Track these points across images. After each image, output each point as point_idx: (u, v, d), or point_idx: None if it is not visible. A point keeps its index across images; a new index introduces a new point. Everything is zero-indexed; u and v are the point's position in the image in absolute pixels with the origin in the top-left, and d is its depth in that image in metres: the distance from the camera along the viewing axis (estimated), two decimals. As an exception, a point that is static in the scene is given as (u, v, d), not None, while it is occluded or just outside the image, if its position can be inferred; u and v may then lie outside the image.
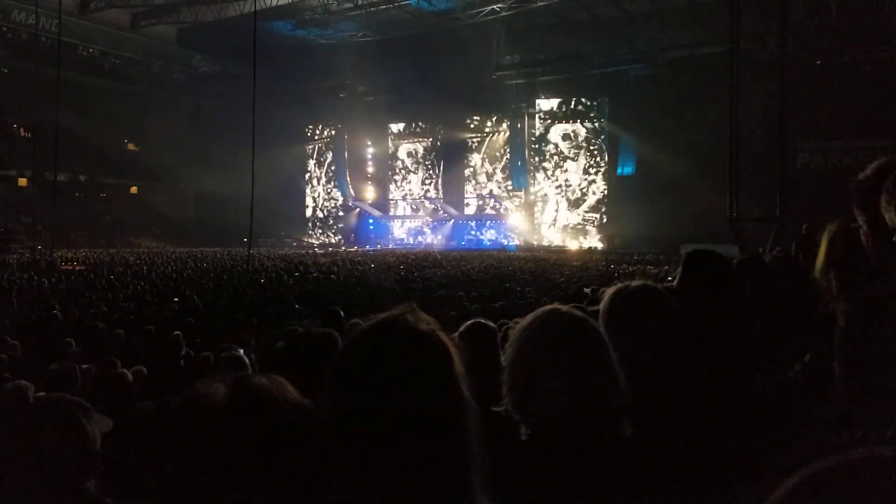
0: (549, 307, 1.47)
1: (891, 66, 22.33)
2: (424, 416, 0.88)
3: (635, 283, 2.01)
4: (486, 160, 42.44)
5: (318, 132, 47.61)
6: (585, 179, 37.59)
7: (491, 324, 2.90)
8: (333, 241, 45.91)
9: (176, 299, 11.20)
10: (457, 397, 0.92)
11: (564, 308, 1.47)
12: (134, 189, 47.83)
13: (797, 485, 0.46)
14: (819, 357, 2.48)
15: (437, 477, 0.89)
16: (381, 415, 0.87)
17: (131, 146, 48.19)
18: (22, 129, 40.97)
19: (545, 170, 38.64)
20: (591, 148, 37.47)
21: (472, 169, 42.96)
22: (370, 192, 46.80)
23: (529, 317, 1.45)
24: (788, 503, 0.46)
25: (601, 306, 1.95)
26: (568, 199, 38.12)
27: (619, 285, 1.99)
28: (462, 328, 2.80)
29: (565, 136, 38.12)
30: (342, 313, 5.05)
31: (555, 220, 38.56)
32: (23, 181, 38.94)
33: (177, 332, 6.08)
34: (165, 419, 0.81)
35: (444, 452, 0.90)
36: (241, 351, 4.48)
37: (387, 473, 0.88)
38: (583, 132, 37.65)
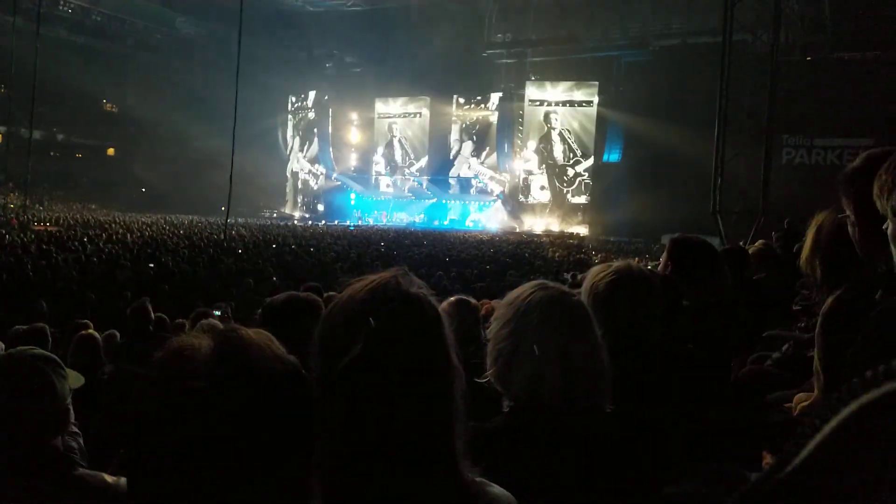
0: (536, 282, 1.46)
1: (880, 68, 22.61)
2: (412, 377, 0.87)
3: (617, 262, 2.01)
4: (473, 139, 42.21)
5: (302, 102, 46.86)
6: (570, 156, 37.39)
7: (473, 300, 2.90)
8: (313, 214, 45.48)
9: (151, 265, 11.05)
10: (445, 361, 0.91)
11: (551, 283, 1.47)
12: (111, 151, 46.89)
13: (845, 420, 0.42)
14: (797, 346, 2.52)
15: (421, 441, 0.88)
16: (370, 376, 0.86)
17: (110, 107, 47.12)
18: (-3, 84, 39.83)
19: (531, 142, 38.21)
20: (578, 132, 37.39)
21: (457, 148, 42.72)
22: (353, 167, 46.35)
23: (516, 290, 1.44)
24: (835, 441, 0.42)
25: (585, 284, 1.94)
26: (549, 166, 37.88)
27: (602, 265, 1.99)
28: (445, 304, 2.78)
29: (553, 118, 37.97)
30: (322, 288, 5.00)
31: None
32: (-4, 137, 37.96)
33: (143, 298, 5.93)
34: (148, 371, 0.78)
35: (431, 416, 0.89)
36: (218, 314, 4.43)
37: (372, 435, 0.87)
38: (571, 115, 37.54)
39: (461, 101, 41.65)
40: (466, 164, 42.54)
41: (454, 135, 42.50)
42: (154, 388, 0.76)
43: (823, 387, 1.75)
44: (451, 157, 42.79)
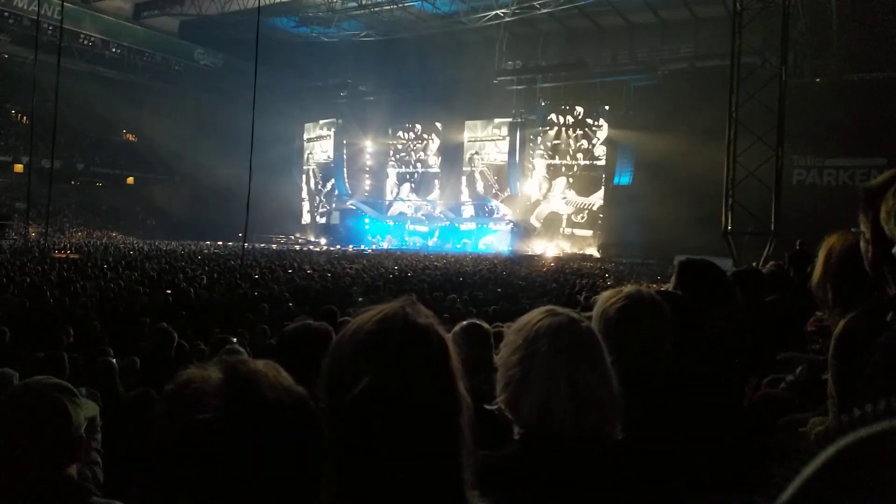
0: (545, 308, 1.46)
1: (888, 88, 22.60)
2: (420, 410, 0.88)
3: (628, 287, 2.01)
4: (485, 164, 42.45)
5: (317, 130, 47.54)
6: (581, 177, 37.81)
7: (486, 325, 2.90)
8: (328, 239, 45.82)
9: (169, 291, 11.15)
10: (453, 392, 0.92)
11: (561, 309, 1.47)
12: (130, 180, 47.71)
13: (829, 460, 0.40)
14: (812, 369, 2.49)
15: (429, 472, 0.88)
16: (376, 409, 0.87)
17: (129, 137, 48.05)
18: (20, 116, 40.81)
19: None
20: (589, 156, 37.57)
21: (470, 173, 42.97)
22: (367, 192, 46.76)
23: (525, 316, 1.45)
24: (819, 482, 0.40)
25: (595, 310, 1.94)
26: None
27: (612, 290, 1.99)
28: (457, 328, 2.79)
29: (562, 143, 38.20)
30: (337, 312, 5.04)
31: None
32: (19, 167, 38.84)
33: (164, 324, 6.01)
34: (158, 402, 0.80)
35: (438, 447, 0.89)
36: (236, 340, 4.46)
37: (379, 467, 0.87)
38: (581, 139, 37.74)
39: (473, 126, 42.03)
40: (478, 189, 42.80)
41: (466, 159, 42.79)
42: (164, 420, 0.77)
43: (837, 411, 1.73)
44: (463, 182, 42.99)
